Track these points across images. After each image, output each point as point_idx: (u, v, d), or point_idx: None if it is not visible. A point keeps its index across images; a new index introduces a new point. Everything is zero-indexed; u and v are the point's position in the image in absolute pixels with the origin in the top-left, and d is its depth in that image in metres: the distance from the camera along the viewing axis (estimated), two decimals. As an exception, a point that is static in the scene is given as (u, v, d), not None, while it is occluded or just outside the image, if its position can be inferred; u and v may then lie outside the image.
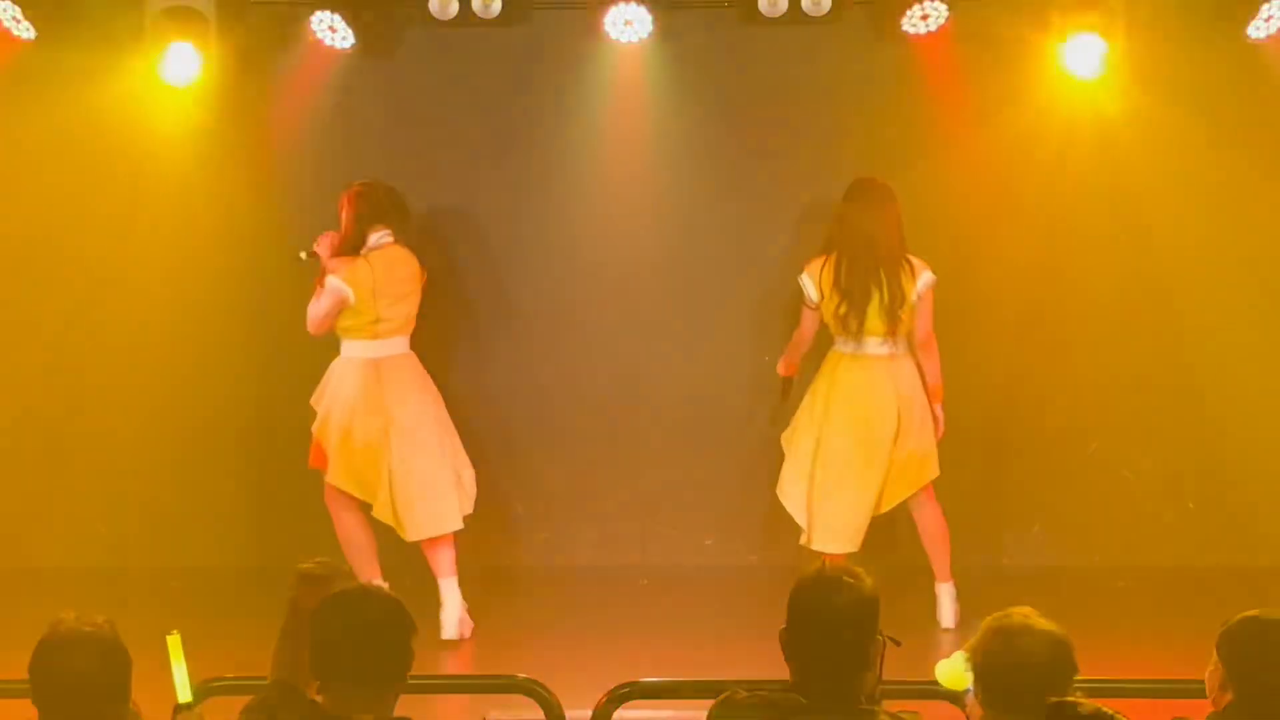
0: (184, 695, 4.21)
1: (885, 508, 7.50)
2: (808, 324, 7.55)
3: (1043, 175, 8.41)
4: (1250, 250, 8.42)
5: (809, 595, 3.94)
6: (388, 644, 3.84)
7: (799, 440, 7.56)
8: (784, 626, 3.99)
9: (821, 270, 7.41)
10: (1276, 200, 8.37)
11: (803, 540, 7.51)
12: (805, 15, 7.99)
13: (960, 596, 7.60)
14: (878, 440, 7.39)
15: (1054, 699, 3.74)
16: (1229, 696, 4.10)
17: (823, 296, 7.38)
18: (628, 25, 8.02)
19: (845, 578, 3.98)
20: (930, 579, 7.71)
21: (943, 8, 7.97)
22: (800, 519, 7.51)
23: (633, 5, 7.95)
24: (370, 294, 7.37)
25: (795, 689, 3.91)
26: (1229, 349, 8.42)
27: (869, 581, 3.99)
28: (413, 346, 8.04)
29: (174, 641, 4.21)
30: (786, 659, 3.97)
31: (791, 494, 7.56)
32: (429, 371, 8.07)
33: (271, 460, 8.34)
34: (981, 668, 3.91)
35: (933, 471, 7.51)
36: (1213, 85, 8.11)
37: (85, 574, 8.25)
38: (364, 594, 4.01)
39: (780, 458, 8.41)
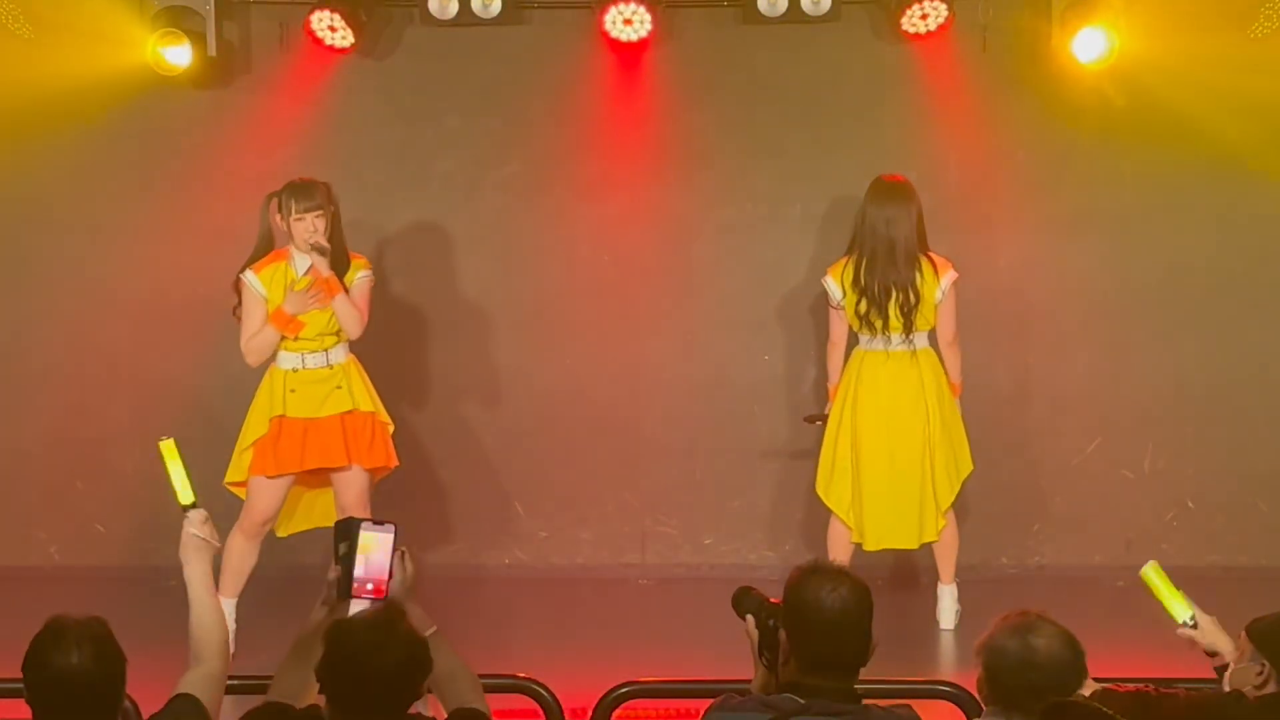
0: (185, 497, 4.32)
1: (945, 504, 7.41)
2: (836, 326, 7.48)
3: (1042, 176, 8.42)
4: (1251, 248, 8.42)
5: (804, 592, 3.93)
6: (402, 688, 3.78)
7: (834, 440, 7.48)
8: (779, 625, 3.98)
9: (843, 270, 7.38)
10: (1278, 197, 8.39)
11: (854, 539, 7.45)
12: (805, 15, 8.01)
13: (960, 597, 7.59)
14: (913, 433, 7.37)
15: (1054, 699, 3.74)
16: (1272, 689, 4.16)
17: (844, 294, 7.36)
18: (627, 25, 8.03)
19: (840, 573, 3.97)
20: (931, 578, 7.70)
21: (942, 7, 7.98)
22: (848, 519, 7.45)
23: (632, 4, 7.95)
24: None
25: (791, 689, 3.90)
26: (1230, 347, 8.42)
27: (860, 578, 4.00)
28: (412, 346, 8.04)
29: (168, 446, 4.32)
30: (783, 660, 3.96)
31: (835, 495, 7.47)
32: (427, 371, 8.09)
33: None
34: (991, 664, 3.91)
35: (968, 465, 7.51)
36: (1216, 80, 8.09)
37: (85, 574, 8.25)
38: (388, 633, 3.78)
39: (781, 459, 8.44)
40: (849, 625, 3.89)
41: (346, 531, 4.16)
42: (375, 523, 4.18)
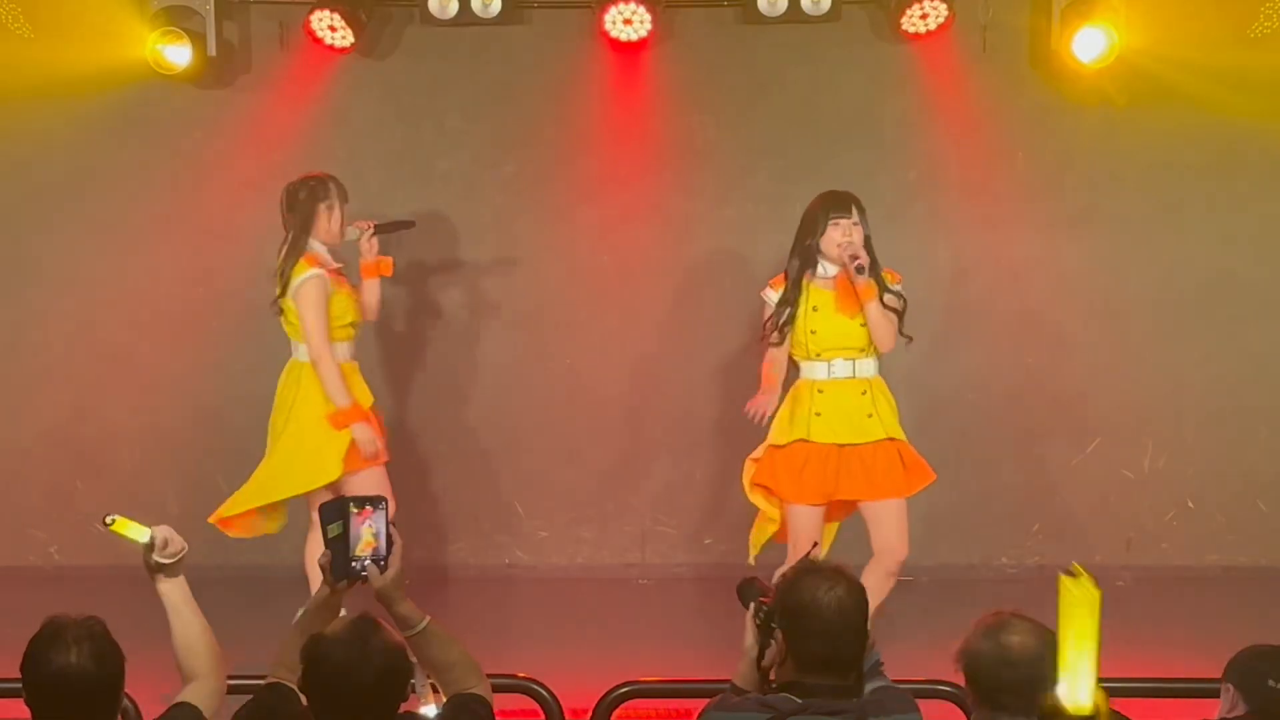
0: (142, 537, 4.21)
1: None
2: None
3: (1042, 176, 8.42)
4: (1251, 248, 8.43)
5: (809, 592, 3.92)
6: (384, 698, 3.77)
7: None
8: (776, 625, 3.97)
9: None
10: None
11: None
12: (805, 14, 8.02)
13: (960, 596, 7.59)
14: None
15: (1053, 698, 3.74)
16: (1240, 711, 4.17)
17: None
18: (627, 25, 8.04)
19: (836, 572, 3.97)
20: (930, 579, 7.70)
21: (942, 7, 7.99)
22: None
23: (632, 4, 7.96)
24: None
25: (789, 688, 3.90)
26: (1230, 347, 8.42)
27: (855, 576, 4.00)
28: (412, 346, 8.02)
29: (119, 523, 4.23)
30: (781, 660, 3.96)
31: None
32: (427, 371, 8.06)
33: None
34: (969, 667, 3.91)
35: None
36: (1216, 79, 8.09)
37: (85, 574, 8.25)
38: (362, 649, 3.74)
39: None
40: (846, 624, 3.88)
41: (334, 513, 4.15)
42: (365, 499, 4.17)
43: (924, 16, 8.04)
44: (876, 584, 6.55)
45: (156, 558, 4.22)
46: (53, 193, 8.40)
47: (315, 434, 6.82)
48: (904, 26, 8.08)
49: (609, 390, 8.52)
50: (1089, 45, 7.93)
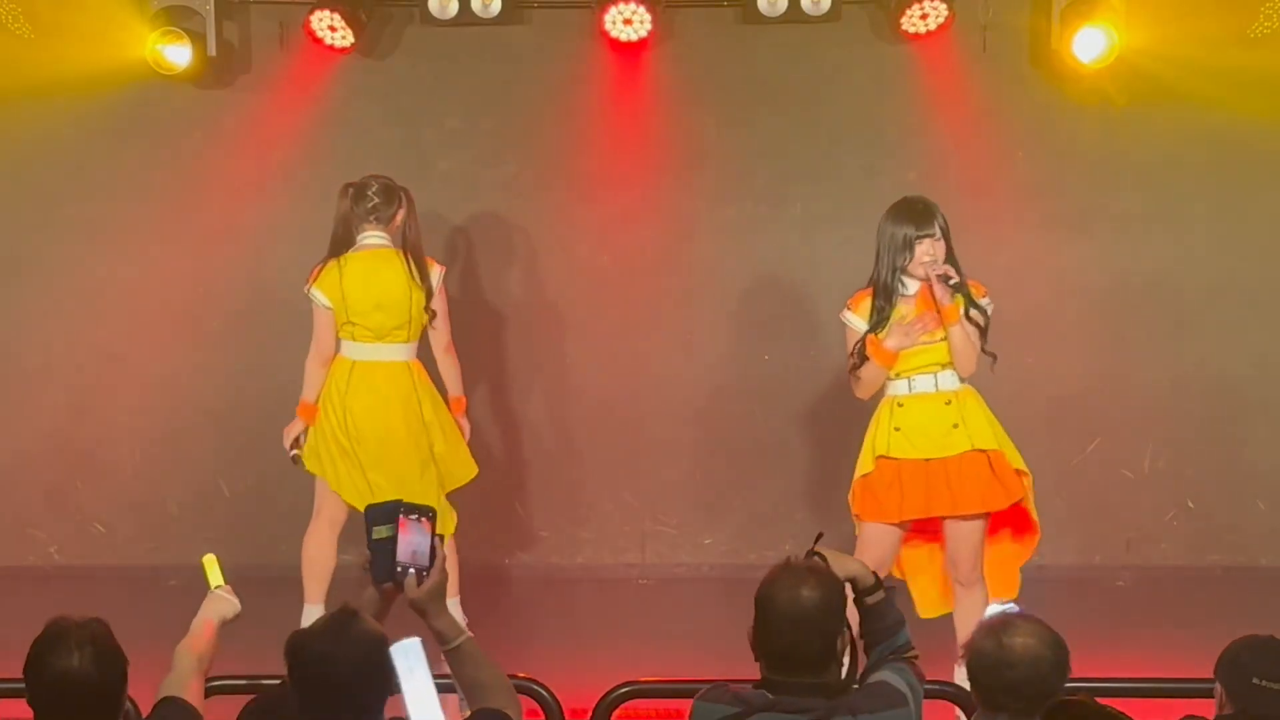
0: (216, 581, 4.46)
1: None
2: None
3: (1043, 176, 8.42)
4: (1251, 248, 8.42)
5: (774, 589, 3.92)
6: (365, 690, 3.72)
7: None
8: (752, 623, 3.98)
9: None
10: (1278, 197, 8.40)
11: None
12: (805, 15, 8.02)
13: (960, 596, 7.58)
14: None
15: (1058, 698, 3.74)
16: (1227, 711, 4.16)
17: None
18: (627, 24, 8.04)
19: (808, 571, 3.96)
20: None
21: (943, 7, 7.99)
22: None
23: (632, 4, 7.96)
24: (340, 298, 6.88)
25: (764, 685, 3.90)
26: (1229, 346, 8.42)
27: (837, 576, 3.99)
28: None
29: (210, 561, 4.38)
30: (755, 656, 3.96)
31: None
32: (428, 371, 8.06)
33: (272, 459, 8.32)
34: (971, 665, 3.92)
35: None
36: (1215, 79, 8.09)
37: (85, 574, 8.24)
38: (339, 640, 3.71)
39: (781, 459, 8.43)
40: (806, 624, 3.85)
41: (384, 515, 4.14)
42: (415, 506, 4.16)
43: (924, 16, 8.04)
44: (959, 601, 6.47)
45: (221, 592, 4.51)
46: (53, 193, 8.40)
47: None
48: (904, 26, 8.08)
49: (609, 390, 8.51)
50: (1089, 45, 7.93)
